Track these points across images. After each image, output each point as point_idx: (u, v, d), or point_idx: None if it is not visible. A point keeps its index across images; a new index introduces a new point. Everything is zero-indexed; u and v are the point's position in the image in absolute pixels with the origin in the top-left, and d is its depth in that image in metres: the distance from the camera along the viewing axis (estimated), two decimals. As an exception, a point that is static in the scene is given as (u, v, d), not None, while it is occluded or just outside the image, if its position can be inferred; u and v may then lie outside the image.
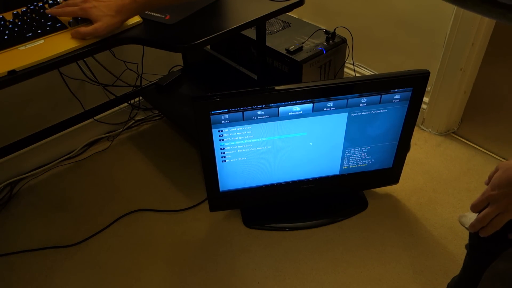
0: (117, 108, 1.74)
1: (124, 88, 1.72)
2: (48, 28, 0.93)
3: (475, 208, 0.74)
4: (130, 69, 1.69)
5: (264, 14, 1.07)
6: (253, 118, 1.10)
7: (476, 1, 0.49)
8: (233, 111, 1.08)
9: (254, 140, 1.15)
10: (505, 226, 0.75)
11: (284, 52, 1.44)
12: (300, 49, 1.45)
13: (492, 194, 0.71)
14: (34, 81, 1.46)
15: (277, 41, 1.50)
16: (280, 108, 1.10)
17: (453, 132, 1.68)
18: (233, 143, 1.15)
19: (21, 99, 1.47)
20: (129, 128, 1.78)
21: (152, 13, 1.06)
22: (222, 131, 1.11)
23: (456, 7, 1.38)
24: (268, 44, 1.45)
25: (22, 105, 1.49)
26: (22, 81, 0.84)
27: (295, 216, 1.38)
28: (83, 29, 0.91)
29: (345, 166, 1.29)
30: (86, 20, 0.96)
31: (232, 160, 1.19)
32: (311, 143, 1.19)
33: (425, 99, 1.64)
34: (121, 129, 1.76)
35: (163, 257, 1.29)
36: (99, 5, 0.93)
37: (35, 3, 1.00)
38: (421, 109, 1.58)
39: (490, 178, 0.74)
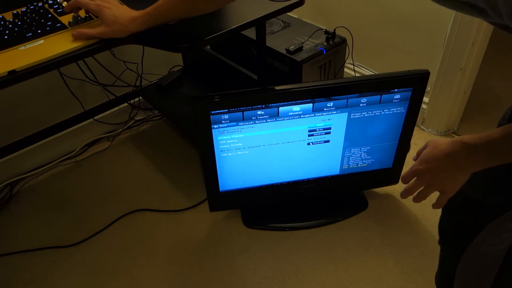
0: (117, 108, 1.74)
1: (124, 88, 1.72)
2: (48, 28, 0.93)
3: (403, 180, 0.77)
4: (130, 69, 1.69)
5: (264, 14, 1.07)
6: (253, 118, 1.10)
7: None
8: (233, 111, 1.08)
9: (254, 140, 1.15)
10: (472, 219, 0.77)
11: (284, 52, 1.44)
12: (300, 49, 1.45)
13: (419, 168, 0.73)
14: (34, 81, 1.46)
15: (277, 41, 1.50)
16: (280, 108, 1.10)
17: (453, 132, 1.68)
18: (233, 143, 1.15)
19: (21, 99, 1.47)
20: (129, 128, 1.78)
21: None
22: (222, 131, 1.12)
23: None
24: (268, 44, 1.45)
25: (22, 105, 1.49)
26: (22, 81, 0.84)
27: (295, 216, 1.38)
28: (87, 30, 0.89)
29: (345, 166, 1.29)
30: (87, 20, 0.96)
31: (232, 160, 1.19)
32: (311, 143, 1.19)
33: (425, 99, 1.64)
34: (121, 129, 1.76)
35: (163, 257, 1.29)
36: (115, 10, 0.90)
37: (35, 3, 1.00)
38: (421, 109, 1.58)
39: (418, 154, 0.77)
